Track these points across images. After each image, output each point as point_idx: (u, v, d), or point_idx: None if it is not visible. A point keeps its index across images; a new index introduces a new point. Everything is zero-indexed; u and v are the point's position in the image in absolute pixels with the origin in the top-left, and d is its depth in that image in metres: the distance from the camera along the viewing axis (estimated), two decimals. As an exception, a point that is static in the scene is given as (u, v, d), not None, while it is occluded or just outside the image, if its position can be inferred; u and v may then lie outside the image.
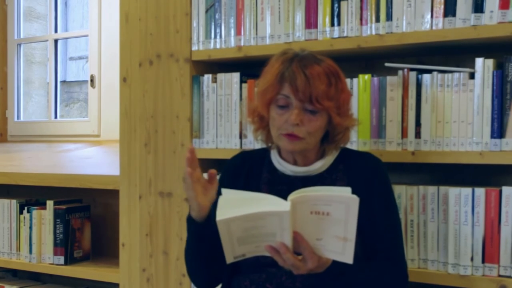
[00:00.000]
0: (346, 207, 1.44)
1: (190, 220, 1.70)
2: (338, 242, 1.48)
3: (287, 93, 1.69)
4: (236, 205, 1.46)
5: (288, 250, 1.49)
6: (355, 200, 1.43)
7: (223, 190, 1.55)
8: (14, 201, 3.03)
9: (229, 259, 1.53)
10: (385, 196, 1.78)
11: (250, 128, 1.87)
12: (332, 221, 1.46)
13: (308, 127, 1.69)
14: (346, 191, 1.47)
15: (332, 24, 2.10)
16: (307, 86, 1.65)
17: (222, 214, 1.46)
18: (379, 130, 2.04)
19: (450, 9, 1.91)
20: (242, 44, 2.27)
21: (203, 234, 1.70)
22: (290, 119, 1.67)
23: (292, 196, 1.46)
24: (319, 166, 1.77)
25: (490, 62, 1.86)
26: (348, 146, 1.98)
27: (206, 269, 1.78)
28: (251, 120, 1.82)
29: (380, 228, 1.73)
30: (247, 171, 1.85)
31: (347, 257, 1.48)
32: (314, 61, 1.70)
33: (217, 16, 2.32)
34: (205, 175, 2.32)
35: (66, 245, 2.88)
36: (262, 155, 1.87)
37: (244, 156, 1.90)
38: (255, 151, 1.94)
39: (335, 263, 1.55)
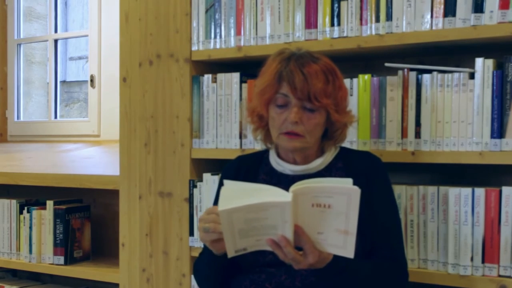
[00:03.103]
0: (347, 199, 1.44)
1: (207, 248, 1.69)
2: (339, 236, 1.47)
3: (285, 92, 1.70)
4: (238, 196, 1.46)
5: (289, 243, 1.48)
6: (356, 191, 1.43)
7: (226, 182, 1.56)
8: (14, 201, 3.03)
9: (230, 252, 1.53)
10: (385, 194, 1.78)
11: (250, 128, 1.87)
12: (333, 214, 1.46)
13: (307, 125, 1.69)
14: (347, 182, 1.46)
15: (332, 24, 2.10)
16: (305, 84, 1.66)
17: (224, 205, 1.45)
18: (379, 130, 2.04)
19: (450, 9, 1.91)
20: (242, 44, 2.27)
21: (220, 263, 1.70)
22: (289, 117, 1.68)
23: (294, 187, 1.46)
24: (318, 164, 1.77)
25: (490, 62, 1.86)
26: (348, 146, 1.99)
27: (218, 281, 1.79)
28: (250, 120, 1.83)
29: (380, 226, 1.73)
30: (244, 174, 1.85)
31: (348, 252, 1.48)
32: (311, 59, 1.71)
33: (217, 16, 2.32)
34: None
35: (66, 245, 2.88)
36: (259, 157, 1.88)
37: (241, 160, 1.91)
38: (251, 154, 1.94)
39: (335, 261, 1.55)
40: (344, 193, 1.44)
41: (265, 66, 1.77)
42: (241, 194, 1.48)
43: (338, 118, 1.73)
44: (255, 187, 1.53)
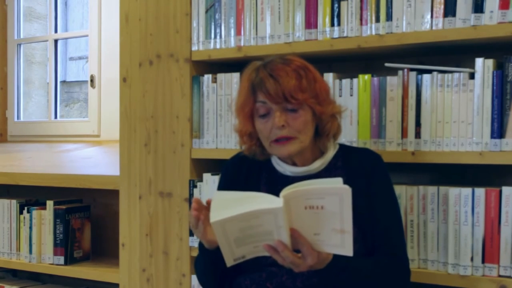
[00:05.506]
0: (339, 199, 1.43)
1: (201, 244, 1.72)
2: (336, 235, 1.47)
3: (262, 99, 1.70)
4: (229, 206, 1.46)
5: (286, 247, 1.48)
6: (347, 190, 1.42)
7: (216, 193, 1.56)
8: (14, 201, 3.03)
9: (229, 262, 1.52)
10: (385, 191, 1.78)
11: (243, 148, 1.87)
12: (327, 214, 1.45)
13: (294, 126, 1.69)
14: (337, 182, 1.46)
15: (332, 24, 2.10)
16: (278, 86, 1.67)
17: (216, 216, 1.45)
18: (379, 130, 2.04)
19: (450, 9, 1.91)
20: (242, 44, 2.27)
21: (214, 257, 1.69)
22: (274, 122, 1.69)
23: (284, 192, 1.45)
24: (318, 165, 1.77)
25: (490, 62, 1.86)
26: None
27: (216, 281, 1.79)
28: (241, 141, 1.83)
29: (381, 223, 1.73)
30: (246, 172, 1.85)
31: (347, 250, 1.47)
32: (281, 62, 1.72)
33: (217, 16, 2.32)
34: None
35: (66, 245, 2.88)
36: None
37: (243, 157, 1.90)
38: None
39: (335, 260, 1.55)
40: (335, 193, 1.43)
41: (240, 83, 1.79)
42: (232, 203, 1.47)
43: (321, 110, 1.72)
44: (246, 195, 1.52)
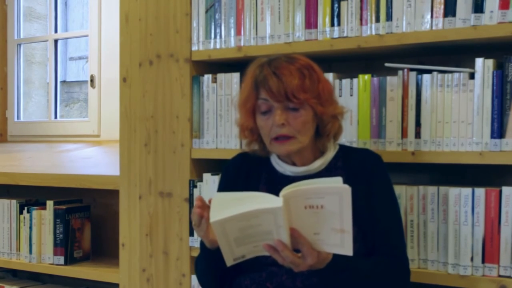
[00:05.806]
0: (339, 198, 1.43)
1: (203, 244, 1.72)
2: (336, 235, 1.47)
3: (264, 96, 1.71)
4: (228, 206, 1.46)
5: (286, 247, 1.48)
6: (347, 189, 1.43)
7: (215, 194, 1.56)
8: (14, 201, 3.03)
9: (229, 261, 1.52)
10: (385, 192, 1.78)
11: (244, 143, 1.87)
12: (327, 214, 1.45)
13: (294, 125, 1.70)
14: (337, 181, 1.46)
15: (332, 24, 2.10)
16: (280, 85, 1.67)
17: (215, 216, 1.45)
18: (379, 130, 2.04)
19: (450, 9, 1.91)
20: (242, 44, 2.27)
21: (215, 257, 1.69)
22: (274, 120, 1.69)
23: (284, 191, 1.45)
24: (318, 165, 1.77)
25: (490, 62, 1.86)
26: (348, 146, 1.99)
27: (217, 281, 1.80)
28: (242, 135, 1.83)
29: (380, 224, 1.73)
30: (247, 171, 1.85)
31: (347, 249, 1.48)
32: (285, 61, 1.72)
33: (217, 16, 2.32)
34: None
35: (66, 245, 2.88)
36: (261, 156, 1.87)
37: (243, 157, 1.91)
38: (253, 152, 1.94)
39: (335, 260, 1.55)
40: (335, 193, 1.44)
41: (244, 78, 1.79)
42: (231, 203, 1.47)
43: (323, 110, 1.72)
44: (245, 195, 1.52)
